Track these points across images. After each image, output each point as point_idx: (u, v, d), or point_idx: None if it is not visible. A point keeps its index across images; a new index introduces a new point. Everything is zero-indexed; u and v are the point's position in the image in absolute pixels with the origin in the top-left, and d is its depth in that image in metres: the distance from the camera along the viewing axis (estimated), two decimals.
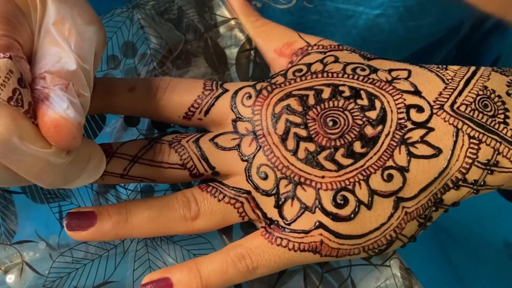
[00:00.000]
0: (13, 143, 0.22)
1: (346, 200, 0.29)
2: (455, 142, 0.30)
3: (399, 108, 0.30)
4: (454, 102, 0.31)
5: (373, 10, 0.44)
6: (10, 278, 0.32)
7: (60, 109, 0.23)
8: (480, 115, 0.30)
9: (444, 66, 0.33)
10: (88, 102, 0.25)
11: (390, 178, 0.30)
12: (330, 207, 0.29)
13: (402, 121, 0.30)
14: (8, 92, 0.22)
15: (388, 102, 0.31)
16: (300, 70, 0.33)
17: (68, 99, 0.23)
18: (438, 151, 0.30)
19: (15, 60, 0.22)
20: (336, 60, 0.33)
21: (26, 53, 0.24)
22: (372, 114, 0.30)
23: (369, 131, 0.30)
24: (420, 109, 0.30)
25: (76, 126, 0.23)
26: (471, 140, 0.30)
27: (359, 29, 0.46)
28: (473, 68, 0.32)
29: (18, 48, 0.23)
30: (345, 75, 0.32)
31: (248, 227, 0.34)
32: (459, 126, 0.30)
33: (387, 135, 0.30)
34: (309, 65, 0.33)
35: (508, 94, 0.31)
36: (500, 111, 0.31)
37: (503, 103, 0.31)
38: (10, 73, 0.22)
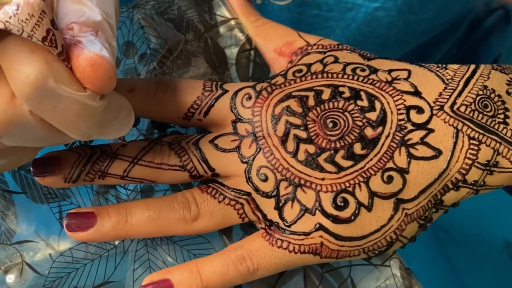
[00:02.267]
0: (49, 86, 0.21)
1: (346, 202, 0.29)
2: (455, 143, 0.30)
3: (399, 109, 0.30)
4: (454, 103, 0.31)
5: (372, 3, 0.44)
6: (10, 278, 0.32)
7: (95, 48, 0.22)
8: (480, 115, 0.30)
9: (444, 65, 0.33)
10: (116, 53, 0.24)
11: (390, 179, 0.30)
12: (330, 209, 0.29)
13: (402, 122, 0.30)
14: (42, 32, 0.21)
15: (388, 103, 0.31)
16: (300, 71, 0.33)
17: (100, 43, 0.23)
18: (438, 153, 0.30)
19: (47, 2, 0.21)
20: (336, 60, 0.33)
21: None
22: (372, 116, 0.30)
23: (369, 132, 0.30)
24: (420, 110, 0.30)
25: (112, 65, 0.22)
26: (471, 141, 0.30)
27: (359, 22, 0.46)
28: (473, 66, 0.32)
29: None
30: (345, 76, 0.32)
31: (248, 228, 0.34)
32: (459, 127, 0.30)
33: (387, 137, 0.30)
34: (309, 66, 0.33)
35: (508, 93, 0.31)
36: (500, 111, 0.31)
37: (503, 102, 0.31)
38: (43, 14, 0.21)
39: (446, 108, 0.30)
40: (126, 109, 0.26)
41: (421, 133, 0.30)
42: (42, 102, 0.22)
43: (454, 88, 0.31)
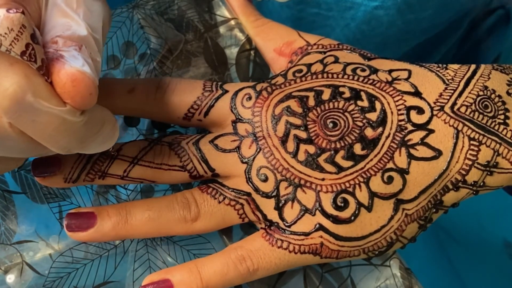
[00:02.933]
0: (27, 101, 0.21)
1: (346, 203, 0.29)
2: (455, 144, 0.30)
3: (399, 110, 0.30)
4: (454, 103, 0.31)
5: (371, 1, 0.44)
6: (10, 278, 0.32)
7: (77, 64, 0.22)
8: (480, 116, 0.30)
9: (444, 65, 0.33)
10: (100, 68, 0.25)
11: (390, 180, 0.30)
12: (330, 210, 0.29)
13: (403, 123, 0.30)
14: (21, 47, 0.21)
15: (389, 104, 0.31)
16: (300, 71, 0.33)
17: (82, 58, 0.23)
18: (438, 153, 0.30)
19: (28, 17, 0.22)
20: (336, 60, 0.33)
21: (35, 24, 0.24)
22: (372, 116, 0.30)
23: (369, 133, 0.30)
24: (420, 111, 0.30)
25: (93, 81, 0.22)
26: (471, 142, 0.30)
27: (358, 21, 0.46)
28: (473, 67, 0.32)
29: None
30: (345, 76, 0.32)
31: (248, 228, 0.34)
32: (459, 127, 0.30)
33: (387, 137, 0.30)
34: (309, 66, 0.33)
35: (508, 93, 0.31)
36: (500, 112, 0.31)
37: (503, 103, 0.31)
38: (23, 28, 0.21)
39: (447, 108, 0.30)
40: (109, 123, 0.26)
41: (421, 133, 0.30)
42: (21, 116, 0.21)
43: (455, 88, 0.31)
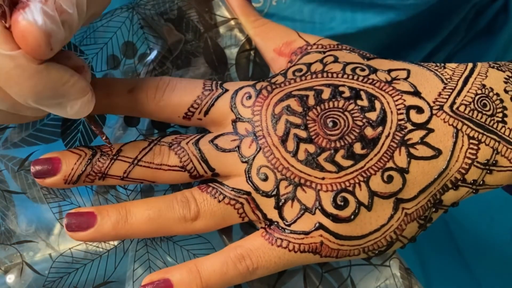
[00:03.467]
0: None
1: (346, 202, 0.29)
2: (455, 143, 0.30)
3: (399, 109, 0.30)
4: (453, 102, 0.31)
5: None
6: (10, 278, 0.32)
7: (30, 17, 0.23)
8: (479, 115, 0.30)
9: (442, 64, 0.33)
10: (75, 20, 0.25)
11: (390, 179, 0.30)
12: (330, 208, 0.29)
13: (402, 122, 0.30)
14: None
15: (388, 103, 0.31)
16: (300, 70, 0.33)
17: (42, 10, 0.23)
18: (438, 152, 0.30)
19: None
20: (336, 60, 0.33)
21: None
22: (372, 115, 0.30)
23: (369, 132, 0.30)
24: (420, 110, 0.30)
25: (42, 34, 0.23)
26: (471, 141, 0.30)
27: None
28: (470, 65, 0.32)
29: None
30: (345, 76, 0.32)
31: (248, 227, 0.34)
32: (459, 126, 0.30)
33: (387, 137, 0.30)
34: (309, 65, 0.33)
35: (505, 91, 0.31)
36: (499, 110, 0.31)
37: (501, 101, 0.31)
38: None
39: (446, 108, 0.30)
40: (80, 92, 0.26)
41: (421, 133, 0.30)
42: None
43: (453, 87, 0.31)
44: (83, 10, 0.26)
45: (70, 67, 0.26)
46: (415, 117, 0.30)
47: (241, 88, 0.32)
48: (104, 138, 0.31)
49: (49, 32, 0.24)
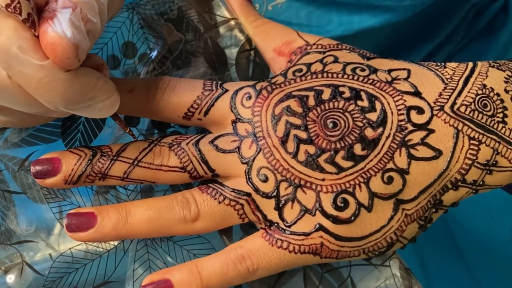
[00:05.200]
0: (13, 52, 0.24)
1: (346, 203, 0.29)
2: (455, 143, 0.30)
3: (399, 110, 0.30)
4: (454, 103, 0.31)
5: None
6: (10, 278, 0.32)
7: (59, 29, 0.24)
8: (480, 115, 0.30)
9: (443, 63, 0.33)
10: (98, 29, 0.26)
11: (390, 180, 0.30)
12: (331, 210, 0.29)
13: (403, 123, 0.30)
14: (6, 0, 0.23)
15: (389, 104, 0.31)
16: (300, 70, 0.33)
17: (70, 21, 0.24)
18: (438, 153, 0.30)
19: None
20: (336, 60, 0.33)
21: None
22: (373, 116, 0.30)
23: (369, 133, 0.30)
24: (420, 111, 0.30)
25: (71, 47, 0.24)
26: (471, 141, 0.30)
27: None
28: (470, 65, 0.32)
29: None
30: (345, 76, 0.32)
31: (248, 228, 0.34)
32: (459, 127, 0.30)
33: (387, 137, 0.30)
34: (308, 65, 0.33)
35: (506, 91, 0.31)
36: (499, 110, 0.31)
37: (502, 101, 0.31)
38: None
39: (446, 108, 0.30)
40: (106, 93, 0.27)
41: (422, 133, 0.30)
42: (10, 66, 0.24)
43: (454, 87, 0.31)
44: (104, 18, 0.26)
45: (92, 67, 0.27)
46: (415, 117, 0.30)
47: (241, 89, 0.32)
48: (127, 131, 0.32)
49: (77, 44, 0.24)
